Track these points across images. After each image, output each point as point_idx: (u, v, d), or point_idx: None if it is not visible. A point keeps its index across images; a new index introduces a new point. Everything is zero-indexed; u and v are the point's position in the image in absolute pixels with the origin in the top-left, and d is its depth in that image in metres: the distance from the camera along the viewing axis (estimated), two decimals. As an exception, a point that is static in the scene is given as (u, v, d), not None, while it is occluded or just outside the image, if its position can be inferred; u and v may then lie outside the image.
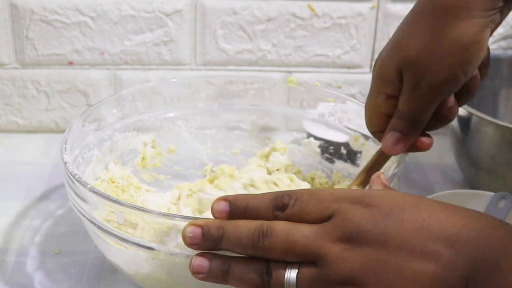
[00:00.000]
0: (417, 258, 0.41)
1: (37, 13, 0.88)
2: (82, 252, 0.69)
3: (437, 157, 0.91)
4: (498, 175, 0.76)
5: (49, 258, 0.69)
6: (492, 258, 0.40)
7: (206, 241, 0.47)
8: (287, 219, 0.46)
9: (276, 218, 0.46)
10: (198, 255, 0.48)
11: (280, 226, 0.45)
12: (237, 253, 0.47)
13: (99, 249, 0.67)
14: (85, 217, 0.59)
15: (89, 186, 0.57)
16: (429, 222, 0.42)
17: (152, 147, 0.76)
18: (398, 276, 0.41)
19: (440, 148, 0.93)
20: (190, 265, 0.48)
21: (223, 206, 0.48)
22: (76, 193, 0.59)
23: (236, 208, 0.47)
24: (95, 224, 0.58)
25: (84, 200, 0.58)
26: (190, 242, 0.48)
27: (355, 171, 0.75)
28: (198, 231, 0.47)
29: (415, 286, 0.41)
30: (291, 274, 0.45)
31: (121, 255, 0.59)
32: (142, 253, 0.56)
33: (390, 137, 0.60)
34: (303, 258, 0.45)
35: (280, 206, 0.46)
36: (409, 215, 0.43)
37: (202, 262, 0.48)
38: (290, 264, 0.45)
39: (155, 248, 0.55)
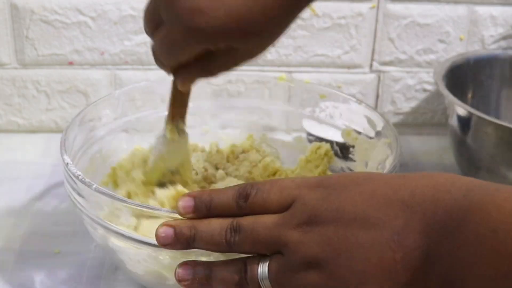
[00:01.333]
0: (371, 226, 0.42)
1: (37, 13, 0.88)
2: (82, 252, 0.69)
3: (437, 157, 0.91)
4: (498, 175, 0.76)
5: (49, 258, 0.69)
6: (456, 210, 0.39)
7: (178, 241, 0.49)
8: (251, 209, 0.47)
9: (240, 208, 0.47)
10: (181, 264, 0.50)
11: (246, 221, 0.47)
12: (211, 250, 0.49)
13: (99, 249, 0.67)
14: (88, 216, 0.59)
15: (94, 186, 0.57)
16: (381, 190, 0.43)
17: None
18: (357, 247, 0.42)
19: (440, 148, 0.93)
20: (175, 274, 0.50)
21: (188, 201, 0.49)
22: (79, 194, 0.59)
23: (201, 203, 0.49)
24: (99, 223, 0.58)
25: (87, 200, 0.58)
26: (162, 242, 0.49)
27: (348, 165, 0.75)
28: (170, 231, 0.49)
29: (374, 253, 0.41)
30: (263, 267, 0.46)
31: (126, 254, 0.59)
32: (148, 251, 0.56)
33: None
34: (269, 249, 0.46)
35: (243, 196, 0.47)
36: (362, 187, 0.44)
37: (185, 270, 0.49)
38: (262, 258, 0.46)
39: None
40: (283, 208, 0.46)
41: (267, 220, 0.46)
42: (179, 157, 0.67)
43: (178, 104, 0.65)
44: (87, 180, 0.58)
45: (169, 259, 0.56)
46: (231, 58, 0.57)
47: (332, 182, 0.45)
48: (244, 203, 0.47)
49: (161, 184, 0.65)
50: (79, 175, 0.58)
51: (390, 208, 0.42)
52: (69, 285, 0.65)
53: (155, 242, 0.55)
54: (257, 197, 0.47)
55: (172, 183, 0.64)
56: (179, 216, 0.55)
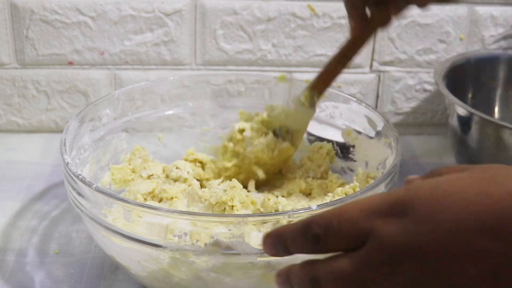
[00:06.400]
0: (462, 263, 0.38)
1: (37, 13, 0.88)
2: (82, 252, 0.69)
3: (437, 157, 0.91)
4: (498, 175, 0.76)
5: (49, 258, 0.69)
6: None
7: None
8: (324, 250, 0.43)
9: (314, 251, 0.43)
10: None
11: (322, 271, 0.43)
12: None
13: (99, 249, 0.67)
14: (88, 216, 0.59)
15: (94, 186, 0.57)
16: (464, 218, 0.38)
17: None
18: (448, 286, 0.38)
19: (440, 148, 0.93)
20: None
21: (270, 245, 0.45)
22: (79, 193, 0.59)
23: (278, 243, 0.45)
24: (99, 223, 0.58)
25: (87, 199, 0.58)
26: None
27: (349, 165, 0.75)
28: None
29: None
30: None
31: (126, 254, 0.59)
32: (148, 250, 0.56)
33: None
34: None
35: (313, 240, 0.43)
36: (441, 216, 0.39)
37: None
38: None
39: (162, 246, 0.55)
40: (357, 243, 0.41)
41: (345, 264, 0.42)
42: (298, 123, 0.71)
43: (324, 79, 0.69)
44: (87, 179, 0.58)
45: (168, 259, 0.56)
46: None
47: (406, 207, 0.40)
48: (316, 245, 0.43)
49: (275, 133, 0.71)
50: (79, 175, 0.58)
51: (479, 240, 0.38)
52: (69, 285, 0.65)
53: (155, 242, 0.55)
54: (328, 238, 0.42)
55: (283, 139, 0.71)
56: (178, 215, 0.55)
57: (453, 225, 0.39)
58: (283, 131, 0.71)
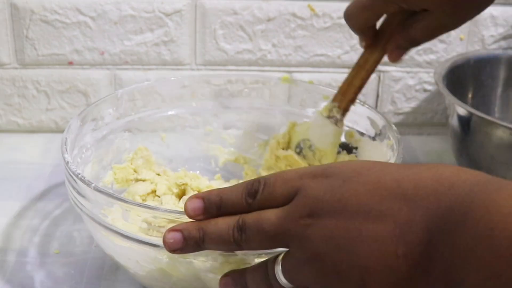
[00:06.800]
0: (374, 219, 0.41)
1: (37, 13, 0.88)
2: (82, 252, 0.69)
3: (437, 157, 0.91)
4: (498, 175, 0.76)
5: (49, 258, 0.69)
6: (458, 207, 0.38)
7: (188, 244, 0.48)
8: (259, 205, 0.46)
9: (249, 206, 0.47)
10: (223, 276, 0.50)
11: (251, 218, 0.46)
12: (221, 250, 0.50)
13: (100, 249, 0.67)
14: (88, 216, 0.59)
15: (93, 185, 0.57)
16: (385, 182, 0.42)
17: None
18: (358, 241, 0.41)
19: (440, 148, 0.93)
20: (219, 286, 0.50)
21: (197, 203, 0.48)
22: (79, 193, 0.59)
23: (211, 203, 0.48)
24: (99, 223, 0.58)
25: (87, 199, 0.58)
26: (172, 248, 0.49)
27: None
28: (178, 235, 0.48)
29: (375, 248, 0.40)
30: (278, 265, 0.46)
31: (126, 254, 0.59)
32: (148, 250, 0.56)
33: (398, 54, 0.67)
34: (276, 245, 0.46)
35: (252, 193, 0.47)
36: (365, 178, 0.43)
37: (227, 280, 0.50)
38: (279, 256, 0.46)
39: (161, 245, 0.55)
40: (288, 200, 0.45)
41: (271, 214, 0.45)
42: (320, 138, 0.69)
43: (343, 92, 0.67)
44: (86, 179, 0.58)
45: (166, 258, 0.56)
46: (429, 24, 0.63)
47: (335, 171, 0.44)
48: (252, 200, 0.47)
49: (298, 148, 0.69)
50: (79, 174, 0.58)
51: (393, 201, 0.41)
52: (69, 285, 0.65)
53: (154, 242, 0.55)
54: (265, 193, 0.46)
55: (306, 156, 0.69)
56: (177, 215, 0.54)
57: (372, 185, 0.42)
58: (306, 146, 0.70)
